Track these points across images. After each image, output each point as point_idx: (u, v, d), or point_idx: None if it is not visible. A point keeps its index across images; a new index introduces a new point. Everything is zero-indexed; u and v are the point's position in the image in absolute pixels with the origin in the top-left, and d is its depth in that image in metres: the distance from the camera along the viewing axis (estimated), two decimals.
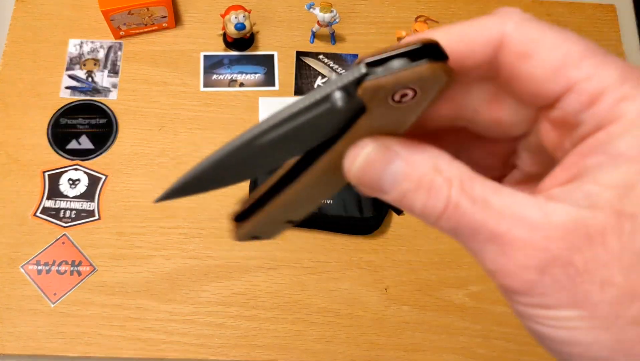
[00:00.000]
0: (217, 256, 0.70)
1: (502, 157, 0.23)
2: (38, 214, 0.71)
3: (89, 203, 0.72)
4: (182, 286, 0.69)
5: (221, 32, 0.81)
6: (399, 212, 0.73)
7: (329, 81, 0.18)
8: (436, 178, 0.18)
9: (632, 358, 0.17)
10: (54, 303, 0.67)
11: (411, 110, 0.19)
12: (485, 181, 0.19)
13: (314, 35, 0.83)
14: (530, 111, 0.21)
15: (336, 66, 0.82)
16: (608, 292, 0.17)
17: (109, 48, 0.81)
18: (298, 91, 0.80)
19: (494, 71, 0.20)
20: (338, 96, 0.18)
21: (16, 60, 0.79)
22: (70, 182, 0.73)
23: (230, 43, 0.81)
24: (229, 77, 0.80)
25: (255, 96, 0.79)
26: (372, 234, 0.72)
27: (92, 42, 0.81)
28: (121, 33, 0.80)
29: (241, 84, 0.80)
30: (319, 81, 0.81)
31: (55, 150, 0.74)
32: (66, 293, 0.68)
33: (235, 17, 0.76)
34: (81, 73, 0.79)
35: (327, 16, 0.78)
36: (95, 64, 0.80)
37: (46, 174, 0.73)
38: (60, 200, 0.72)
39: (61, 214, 0.71)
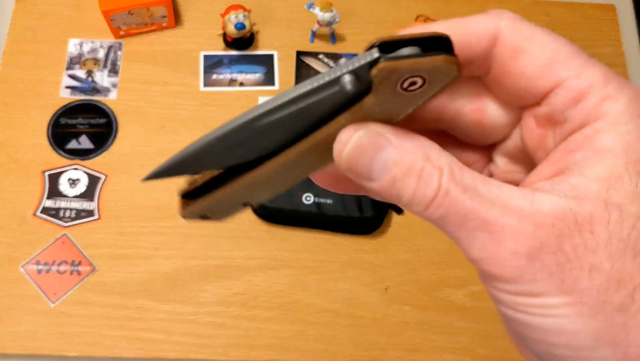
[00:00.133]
0: (217, 256, 0.70)
1: (478, 166, 0.24)
2: (38, 214, 0.71)
3: (88, 203, 0.72)
4: (182, 286, 0.69)
5: (221, 31, 0.81)
6: (399, 211, 0.73)
7: (339, 64, 0.18)
8: (427, 166, 0.19)
9: (615, 346, 0.17)
10: (54, 303, 0.67)
11: (412, 101, 0.19)
12: (473, 172, 0.19)
13: (314, 34, 0.83)
14: (511, 113, 0.21)
15: None
16: (596, 278, 0.17)
17: (109, 48, 0.81)
18: None
19: (484, 68, 0.20)
20: (348, 79, 0.17)
21: (16, 60, 0.79)
22: (70, 182, 0.73)
23: (230, 43, 0.81)
24: (229, 77, 0.80)
25: (255, 95, 0.79)
26: (372, 234, 0.72)
27: (92, 42, 0.81)
28: (121, 33, 0.80)
29: (241, 84, 0.80)
30: None
31: (55, 150, 0.74)
32: (66, 293, 0.68)
33: (235, 17, 0.76)
34: (81, 73, 0.79)
35: (327, 16, 0.78)
36: (95, 64, 0.79)
37: (46, 173, 0.73)
38: (60, 200, 0.72)
39: (61, 214, 0.71)
